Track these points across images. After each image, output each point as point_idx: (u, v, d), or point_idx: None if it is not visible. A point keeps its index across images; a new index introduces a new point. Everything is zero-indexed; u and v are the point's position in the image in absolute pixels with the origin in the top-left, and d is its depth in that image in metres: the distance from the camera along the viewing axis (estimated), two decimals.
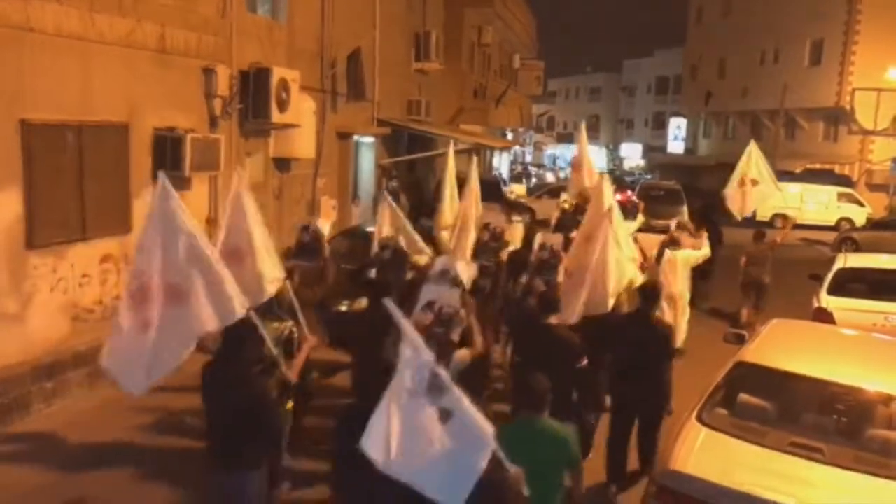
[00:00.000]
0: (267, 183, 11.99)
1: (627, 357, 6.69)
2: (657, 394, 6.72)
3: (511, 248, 10.63)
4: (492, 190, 11.82)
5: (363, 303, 9.70)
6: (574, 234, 8.58)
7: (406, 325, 3.71)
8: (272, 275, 6.13)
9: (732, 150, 39.35)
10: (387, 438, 3.61)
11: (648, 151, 60.31)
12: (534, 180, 40.29)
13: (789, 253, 19.80)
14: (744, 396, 5.77)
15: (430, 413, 3.64)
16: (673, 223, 11.72)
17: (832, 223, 28.20)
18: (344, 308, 10.37)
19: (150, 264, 4.86)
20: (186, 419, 6.20)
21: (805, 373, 5.91)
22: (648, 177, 46.89)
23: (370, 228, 13.78)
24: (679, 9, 51.20)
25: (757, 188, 11.99)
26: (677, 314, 9.85)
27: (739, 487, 4.81)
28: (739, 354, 6.44)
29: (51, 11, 7.62)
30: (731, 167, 12.81)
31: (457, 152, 22.73)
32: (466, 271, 7.64)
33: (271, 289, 6.04)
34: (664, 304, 8.99)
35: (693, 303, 10.79)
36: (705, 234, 10.87)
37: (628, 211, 9.16)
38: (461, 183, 11.22)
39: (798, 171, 31.56)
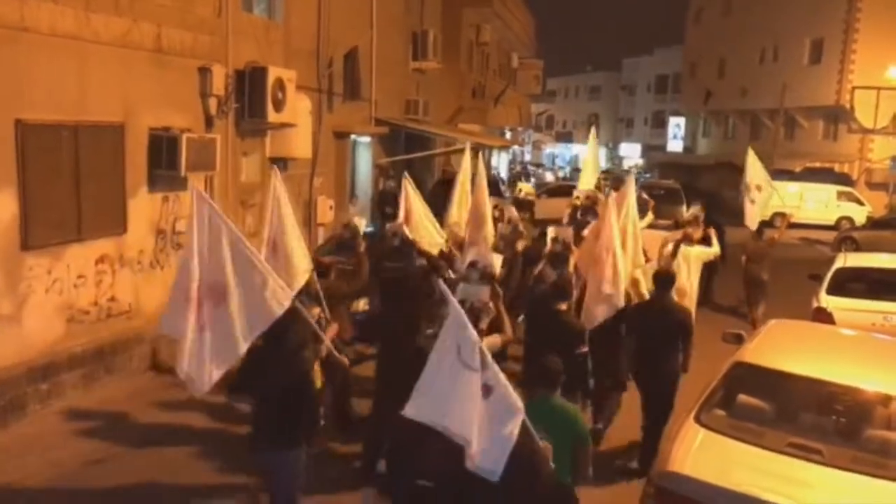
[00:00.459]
0: (264, 183, 11.92)
1: (649, 341, 7.17)
2: (674, 369, 7.14)
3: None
4: (490, 189, 11.75)
5: (361, 304, 9.77)
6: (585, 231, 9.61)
7: (454, 301, 4.01)
8: (302, 266, 6.73)
9: (732, 150, 39.55)
10: (441, 402, 3.89)
11: (648, 150, 60.28)
12: (532, 180, 40.22)
13: (789, 252, 19.79)
14: (742, 397, 5.75)
15: (476, 388, 3.92)
16: (689, 214, 12.80)
17: (832, 222, 28.18)
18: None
19: (198, 267, 5.04)
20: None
21: (803, 373, 5.88)
22: (648, 176, 46.85)
23: (368, 228, 13.83)
24: (678, 7, 51.24)
25: (762, 193, 12.56)
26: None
27: (737, 488, 4.77)
28: (738, 355, 6.41)
29: (46, 11, 7.58)
30: (729, 166, 13.18)
31: (456, 152, 22.81)
32: (497, 263, 8.27)
33: (302, 279, 6.51)
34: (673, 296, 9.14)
35: (701, 300, 10.91)
36: (714, 233, 11.14)
37: (639, 208, 9.61)
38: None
39: (798, 170, 31.54)
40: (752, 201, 12.61)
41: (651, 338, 7.19)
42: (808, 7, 34.84)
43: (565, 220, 13.18)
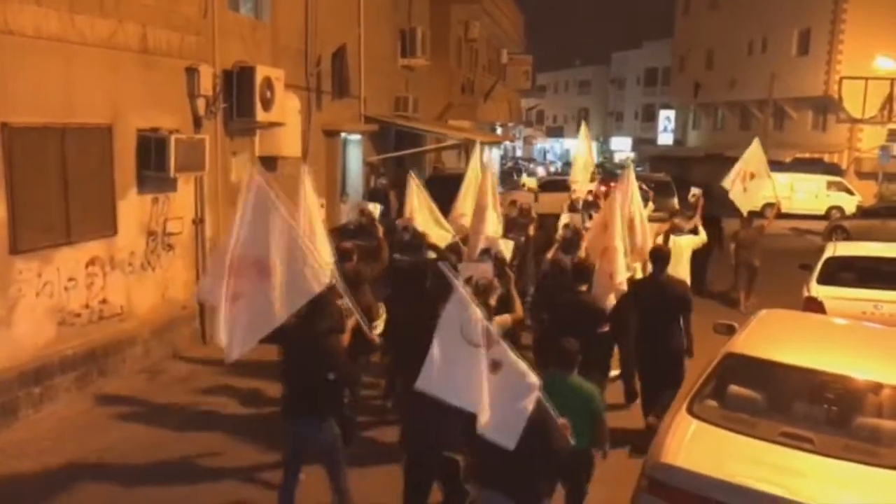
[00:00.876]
0: None
1: (647, 316, 7.51)
2: (676, 346, 7.43)
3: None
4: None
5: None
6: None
7: (458, 284, 4.30)
8: (325, 259, 6.78)
9: (722, 141, 39.67)
10: (448, 378, 4.20)
11: (638, 144, 60.36)
12: (525, 175, 40.22)
13: (780, 243, 19.87)
14: (734, 388, 5.75)
15: (482, 364, 4.20)
16: (691, 196, 13.82)
17: (822, 212, 28.29)
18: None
19: (241, 241, 5.44)
20: None
21: (794, 363, 5.89)
22: (639, 169, 46.86)
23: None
24: (667, 1, 51.29)
25: (754, 181, 12.70)
26: None
27: (730, 479, 4.79)
28: (728, 345, 6.42)
29: (30, 13, 7.53)
30: (720, 158, 13.46)
31: (447, 148, 22.78)
32: (507, 248, 8.79)
33: (328, 271, 6.59)
34: None
35: (695, 289, 11.07)
36: (699, 221, 11.49)
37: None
38: (456, 177, 11.52)
39: (787, 160, 31.64)
40: (745, 189, 12.80)
41: (650, 314, 7.48)
42: None
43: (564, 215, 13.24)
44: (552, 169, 52.68)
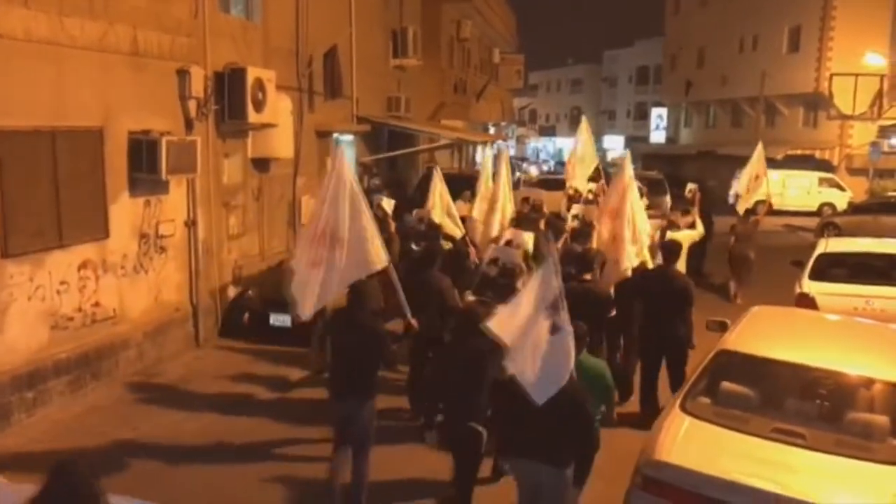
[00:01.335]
0: (246, 184, 11.91)
1: (654, 305, 8.01)
2: (681, 334, 7.86)
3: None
4: (474, 185, 12.04)
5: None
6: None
7: (553, 253, 5.13)
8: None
9: (713, 139, 39.80)
10: (509, 327, 4.81)
11: (631, 142, 60.46)
12: (517, 174, 40.24)
13: (772, 240, 19.95)
14: (726, 384, 5.79)
15: (544, 324, 4.78)
16: (688, 191, 14.90)
17: (814, 208, 28.40)
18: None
19: (325, 215, 6.24)
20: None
21: (786, 359, 5.94)
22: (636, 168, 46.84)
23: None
24: None
25: (758, 182, 13.82)
26: None
27: (723, 475, 4.82)
28: (721, 342, 6.46)
29: (18, 16, 7.49)
30: (711, 156, 14.26)
31: (440, 148, 22.77)
32: (529, 241, 9.48)
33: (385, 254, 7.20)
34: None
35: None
36: (697, 215, 12.15)
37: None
38: (448, 178, 11.81)
39: (779, 157, 31.74)
40: (749, 190, 13.87)
41: (656, 302, 7.99)
42: None
43: (564, 210, 14.60)
44: (545, 168, 52.71)
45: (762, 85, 33.46)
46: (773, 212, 15.94)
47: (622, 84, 66.11)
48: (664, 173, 28.28)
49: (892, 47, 31.33)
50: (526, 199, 14.65)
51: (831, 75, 32.34)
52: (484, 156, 12.08)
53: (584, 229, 9.69)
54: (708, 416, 5.49)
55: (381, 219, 10.56)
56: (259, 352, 10.27)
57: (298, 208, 13.51)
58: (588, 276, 7.84)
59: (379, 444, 6.40)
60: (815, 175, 29.88)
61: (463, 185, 14.26)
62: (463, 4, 26.69)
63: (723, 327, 7.25)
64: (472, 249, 10.39)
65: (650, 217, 11.12)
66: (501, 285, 7.58)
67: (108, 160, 8.82)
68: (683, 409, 5.58)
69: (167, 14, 9.65)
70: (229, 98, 10.71)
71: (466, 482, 5.71)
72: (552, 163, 61.16)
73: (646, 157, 48.50)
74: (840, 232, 20.81)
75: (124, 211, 9.14)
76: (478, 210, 10.98)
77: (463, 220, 11.27)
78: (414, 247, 10.05)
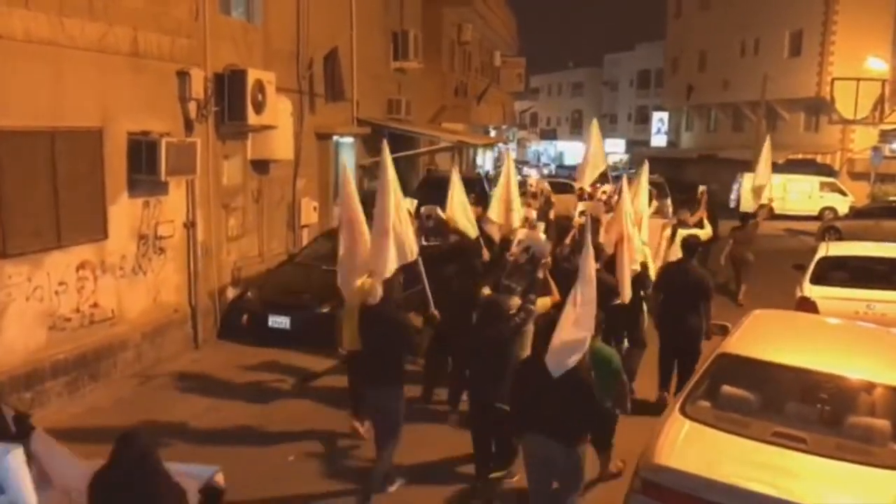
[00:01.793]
0: (246, 185, 11.89)
1: (673, 298, 8.47)
2: (696, 326, 8.28)
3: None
4: (475, 188, 12.08)
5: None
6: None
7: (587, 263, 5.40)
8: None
9: (715, 143, 39.74)
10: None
11: (632, 146, 60.42)
12: (518, 177, 40.20)
13: (774, 244, 19.92)
14: (726, 388, 5.75)
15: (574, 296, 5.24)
16: (699, 193, 15.31)
17: (815, 213, 28.35)
18: (325, 310, 10.36)
19: (380, 208, 6.93)
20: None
21: (787, 362, 5.90)
22: (633, 171, 46.85)
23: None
24: (658, 3, 51.41)
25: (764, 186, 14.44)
26: None
27: (723, 479, 4.79)
28: (721, 346, 6.43)
29: (19, 17, 7.48)
30: (712, 159, 14.81)
31: (441, 150, 22.76)
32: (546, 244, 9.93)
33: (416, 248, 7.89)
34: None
35: None
36: (705, 215, 12.61)
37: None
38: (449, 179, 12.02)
39: (780, 161, 31.70)
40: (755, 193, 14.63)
41: (674, 295, 8.47)
42: (787, 0, 35.03)
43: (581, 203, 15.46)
44: (545, 171, 52.67)
45: (764, 89, 33.46)
46: (774, 216, 16.23)
47: (623, 88, 66.09)
48: (665, 177, 28.26)
49: (893, 52, 31.35)
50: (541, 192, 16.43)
51: (833, 79, 32.33)
52: (503, 159, 12.60)
53: (591, 225, 9.89)
54: (708, 419, 5.45)
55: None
56: (258, 353, 10.24)
57: (298, 210, 13.49)
58: (598, 266, 8.13)
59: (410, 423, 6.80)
60: (817, 179, 29.84)
61: (466, 187, 14.24)
62: (463, 8, 26.70)
63: (723, 331, 7.22)
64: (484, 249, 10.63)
65: (651, 217, 11.35)
66: (528, 272, 8.16)
67: (108, 161, 8.80)
68: (683, 412, 5.54)
69: (167, 15, 9.64)
70: (229, 100, 10.70)
71: (484, 457, 6.34)
72: (553, 166, 61.12)
73: (647, 160, 48.48)
74: (841, 236, 20.77)
75: (123, 212, 9.12)
76: (495, 212, 11.22)
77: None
78: (423, 242, 10.37)
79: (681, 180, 28.72)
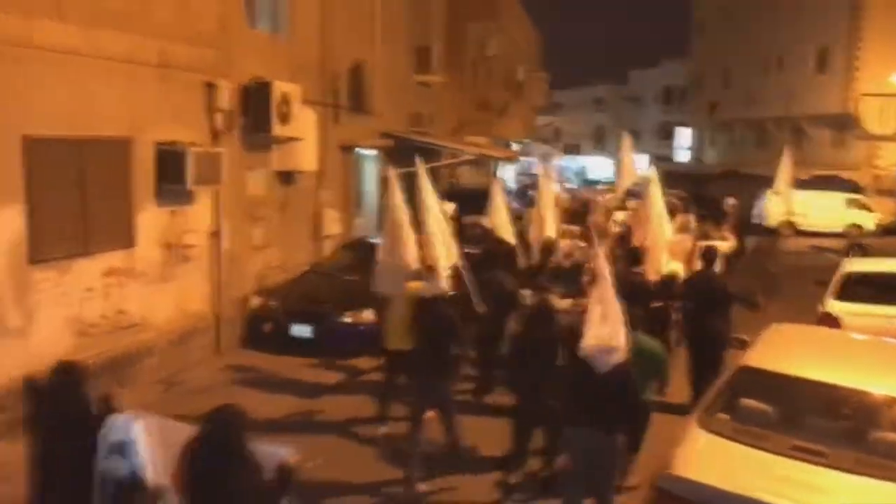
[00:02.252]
0: (270, 196, 12.03)
1: (697, 305, 9.06)
2: (719, 331, 8.72)
3: None
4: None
5: (368, 313, 9.96)
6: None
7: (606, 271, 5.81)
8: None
9: (738, 159, 39.45)
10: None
11: (655, 161, 60.14)
12: (531, 193, 40.15)
13: (798, 261, 19.71)
14: (745, 401, 5.73)
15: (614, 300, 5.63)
16: (729, 206, 16.55)
17: (841, 230, 28.01)
18: (347, 320, 10.45)
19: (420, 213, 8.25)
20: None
21: (807, 376, 5.87)
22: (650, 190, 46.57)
23: (373, 240, 13.91)
24: (682, 19, 51.37)
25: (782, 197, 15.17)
26: None
27: (742, 491, 4.77)
28: (742, 359, 6.41)
29: (51, 28, 7.69)
30: (735, 175, 15.13)
31: (463, 164, 22.84)
32: (584, 252, 10.97)
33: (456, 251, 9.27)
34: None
35: None
36: (732, 229, 13.61)
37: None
38: (470, 192, 12.81)
39: (806, 177, 31.41)
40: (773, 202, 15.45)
41: (698, 303, 9.02)
42: (813, 16, 34.84)
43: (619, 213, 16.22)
44: (567, 186, 52.55)
45: (789, 105, 33.24)
46: (798, 233, 16.28)
47: (647, 103, 65.92)
48: (688, 192, 28.11)
49: None
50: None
51: (859, 95, 32.04)
52: (542, 181, 13.68)
53: (625, 233, 11.49)
54: (726, 432, 5.44)
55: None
56: (280, 361, 10.33)
57: (321, 221, 13.62)
58: (639, 269, 9.62)
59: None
60: (842, 196, 29.47)
61: (486, 200, 14.35)
62: (488, 23, 26.86)
63: (742, 345, 7.20)
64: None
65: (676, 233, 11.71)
66: (571, 277, 9.10)
67: (135, 170, 8.97)
68: (701, 424, 5.53)
69: (195, 28, 9.83)
70: (255, 111, 10.87)
71: (521, 447, 6.74)
72: (575, 181, 60.96)
73: (670, 176, 48.22)
74: (866, 253, 20.52)
75: (150, 220, 9.28)
76: (535, 221, 12.30)
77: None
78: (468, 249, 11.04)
79: (704, 196, 28.56)
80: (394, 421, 8.06)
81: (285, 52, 12.22)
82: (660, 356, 6.75)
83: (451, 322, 7.10)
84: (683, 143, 52.76)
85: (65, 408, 4.61)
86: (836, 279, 10.56)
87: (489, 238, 11.74)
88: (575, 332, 5.84)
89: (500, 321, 8.68)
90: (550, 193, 12.51)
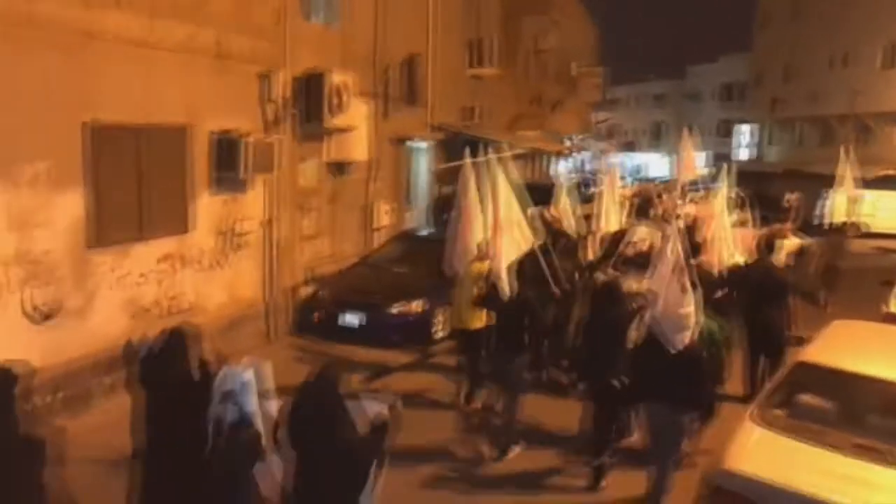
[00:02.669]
0: (321, 186, 12.13)
1: (755, 294, 8.96)
2: (778, 321, 8.84)
3: None
4: (546, 195, 12.20)
5: (417, 304, 9.96)
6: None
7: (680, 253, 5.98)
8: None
9: (801, 157, 38.34)
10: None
11: (715, 159, 58.90)
12: (592, 189, 39.72)
13: (863, 262, 19.05)
14: (803, 396, 5.56)
15: (676, 285, 5.84)
16: (793, 199, 17.46)
17: None
18: (395, 311, 10.48)
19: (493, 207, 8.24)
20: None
21: (870, 373, 5.65)
22: (718, 185, 45.65)
23: (423, 232, 13.90)
24: (743, 13, 50.18)
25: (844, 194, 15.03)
26: None
27: (799, 488, 4.60)
28: (800, 355, 6.20)
29: (112, 18, 7.88)
30: (798, 174, 15.15)
31: (514, 157, 22.67)
32: (655, 237, 10.69)
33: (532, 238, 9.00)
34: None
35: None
36: (792, 229, 13.02)
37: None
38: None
39: (871, 177, 30.29)
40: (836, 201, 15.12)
41: (755, 291, 8.93)
42: (880, 11, 33.60)
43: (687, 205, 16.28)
44: (621, 184, 51.80)
45: (854, 102, 32.13)
46: (863, 234, 15.94)
47: (706, 100, 64.59)
48: (750, 190, 27.41)
49: None
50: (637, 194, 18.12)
51: None
52: (605, 169, 13.98)
53: (690, 225, 11.20)
54: (782, 427, 5.26)
55: None
56: (330, 348, 10.40)
57: (372, 212, 13.66)
58: (702, 259, 9.40)
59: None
60: None
61: (541, 193, 14.21)
62: (542, 17, 26.60)
63: (800, 342, 6.98)
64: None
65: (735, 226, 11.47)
66: (637, 263, 9.23)
67: (191, 158, 9.13)
68: (755, 419, 5.36)
69: (251, 20, 9.95)
70: (308, 102, 10.95)
71: (605, 428, 6.77)
72: (629, 179, 60.11)
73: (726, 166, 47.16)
74: None
75: (204, 207, 9.43)
76: (602, 214, 12.23)
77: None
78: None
79: (765, 195, 27.82)
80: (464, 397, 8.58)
81: (339, 44, 12.29)
82: (716, 333, 6.81)
83: (527, 303, 7.44)
84: (743, 140, 51.48)
85: (173, 367, 5.00)
86: None
87: (551, 229, 11.65)
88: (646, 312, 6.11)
89: (568, 307, 9.07)
90: (614, 188, 12.54)
